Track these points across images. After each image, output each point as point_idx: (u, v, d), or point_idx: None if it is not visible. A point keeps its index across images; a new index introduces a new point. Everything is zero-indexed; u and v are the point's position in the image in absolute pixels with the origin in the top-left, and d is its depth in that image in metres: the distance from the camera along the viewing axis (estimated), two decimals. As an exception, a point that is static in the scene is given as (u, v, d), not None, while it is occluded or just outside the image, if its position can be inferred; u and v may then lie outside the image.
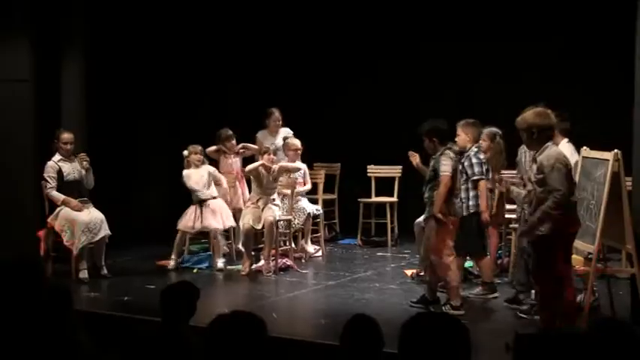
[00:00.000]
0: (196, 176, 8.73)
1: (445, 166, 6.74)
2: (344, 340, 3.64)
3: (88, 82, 9.11)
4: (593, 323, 3.10)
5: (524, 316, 6.65)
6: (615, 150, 6.30)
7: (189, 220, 8.66)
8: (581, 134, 7.34)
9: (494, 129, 7.66)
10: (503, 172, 7.74)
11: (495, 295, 7.33)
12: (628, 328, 3.10)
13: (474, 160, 7.34)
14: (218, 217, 8.67)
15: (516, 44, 9.93)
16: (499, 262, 8.31)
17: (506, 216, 8.06)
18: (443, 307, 6.82)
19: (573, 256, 6.73)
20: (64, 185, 8.22)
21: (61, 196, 8.19)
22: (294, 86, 10.91)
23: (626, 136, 6.60)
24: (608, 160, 6.32)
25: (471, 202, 7.31)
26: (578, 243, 6.73)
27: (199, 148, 8.82)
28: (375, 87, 10.85)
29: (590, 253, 6.48)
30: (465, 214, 7.24)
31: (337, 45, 11.03)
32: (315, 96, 11.14)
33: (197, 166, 8.75)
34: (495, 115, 7.66)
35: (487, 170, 7.40)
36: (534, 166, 5.89)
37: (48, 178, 8.22)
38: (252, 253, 8.61)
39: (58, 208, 8.20)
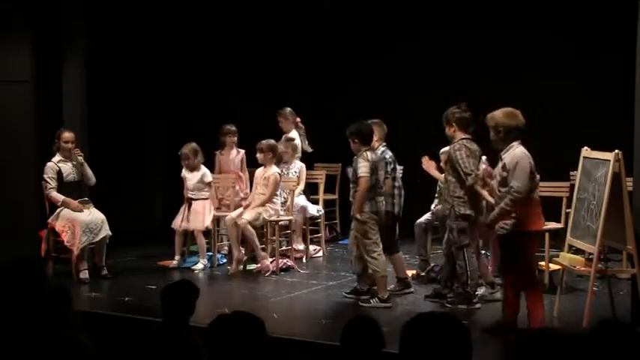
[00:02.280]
0: (194, 178, 8.83)
1: (362, 168, 6.96)
2: (344, 341, 3.64)
3: (88, 82, 9.11)
4: (593, 323, 3.10)
5: (449, 306, 6.92)
6: (616, 150, 6.30)
7: (178, 219, 8.78)
8: (582, 134, 7.34)
9: None
10: None
11: (411, 290, 7.53)
12: (628, 329, 3.10)
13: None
14: (200, 217, 8.73)
15: (517, 44, 9.93)
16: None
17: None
18: (371, 301, 7.05)
19: (574, 256, 6.75)
20: (63, 186, 8.22)
21: (60, 197, 8.19)
22: (293, 87, 10.89)
23: (627, 137, 6.59)
24: (609, 160, 6.32)
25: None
26: (578, 243, 6.74)
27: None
28: (376, 87, 10.84)
29: (590, 254, 6.47)
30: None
31: (336, 45, 11.02)
32: (315, 96, 11.13)
33: (197, 169, 8.85)
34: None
35: (392, 170, 7.41)
36: (499, 165, 6.05)
37: (48, 179, 8.22)
38: (242, 249, 8.57)
39: (59, 209, 8.20)
